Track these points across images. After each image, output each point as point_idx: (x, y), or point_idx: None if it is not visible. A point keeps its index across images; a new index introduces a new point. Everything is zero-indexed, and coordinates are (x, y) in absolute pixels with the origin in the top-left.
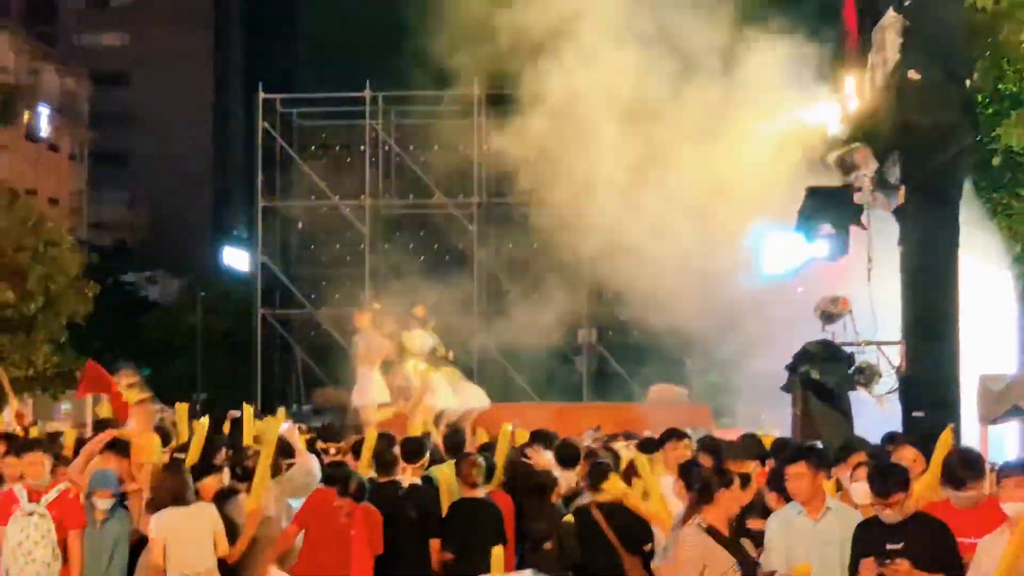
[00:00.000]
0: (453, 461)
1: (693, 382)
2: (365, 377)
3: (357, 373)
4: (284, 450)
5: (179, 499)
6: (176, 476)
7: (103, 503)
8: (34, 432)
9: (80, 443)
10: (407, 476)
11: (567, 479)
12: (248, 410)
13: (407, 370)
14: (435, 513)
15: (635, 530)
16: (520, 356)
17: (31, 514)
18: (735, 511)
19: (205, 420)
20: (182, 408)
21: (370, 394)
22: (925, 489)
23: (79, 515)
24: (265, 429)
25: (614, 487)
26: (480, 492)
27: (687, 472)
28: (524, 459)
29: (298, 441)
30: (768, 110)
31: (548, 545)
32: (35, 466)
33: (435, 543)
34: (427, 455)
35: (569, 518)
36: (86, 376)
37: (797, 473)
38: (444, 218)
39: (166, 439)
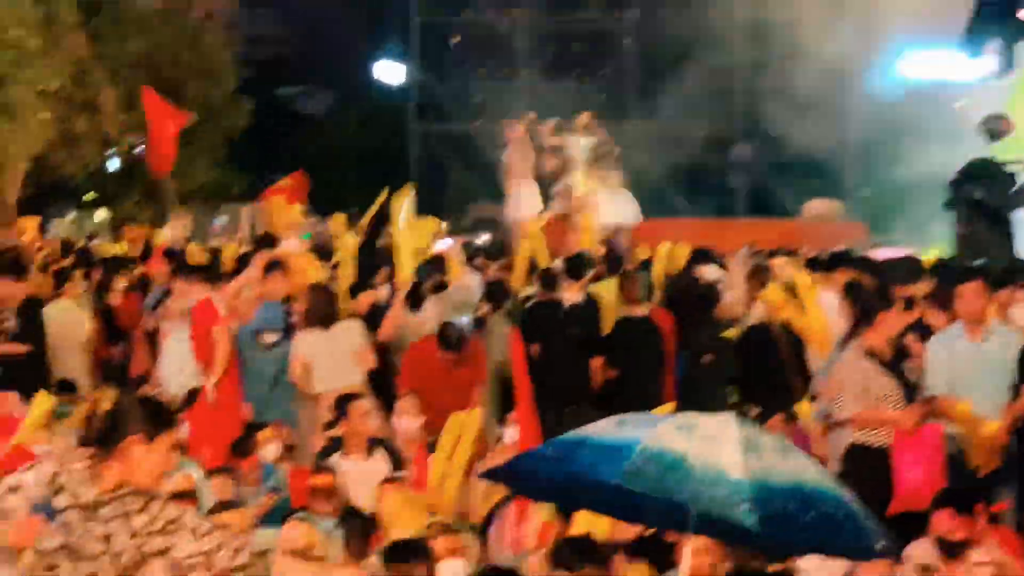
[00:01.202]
0: (614, 278)
1: (849, 197)
2: (518, 190)
3: (510, 186)
4: (436, 266)
5: (324, 319)
6: (321, 296)
7: (271, 338)
8: (192, 249)
9: (241, 259)
10: (569, 294)
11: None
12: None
13: (570, 182)
14: (597, 331)
15: (802, 348)
16: (675, 171)
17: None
18: (897, 333)
19: (353, 239)
20: (339, 219)
21: (523, 207)
22: None
23: (213, 316)
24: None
25: (775, 295)
26: (641, 309)
27: (850, 293)
28: (690, 272)
29: (458, 258)
30: None
31: (707, 358)
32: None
33: (597, 361)
34: (589, 272)
35: (730, 333)
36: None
37: (970, 293)
38: (600, 32)
39: (326, 255)
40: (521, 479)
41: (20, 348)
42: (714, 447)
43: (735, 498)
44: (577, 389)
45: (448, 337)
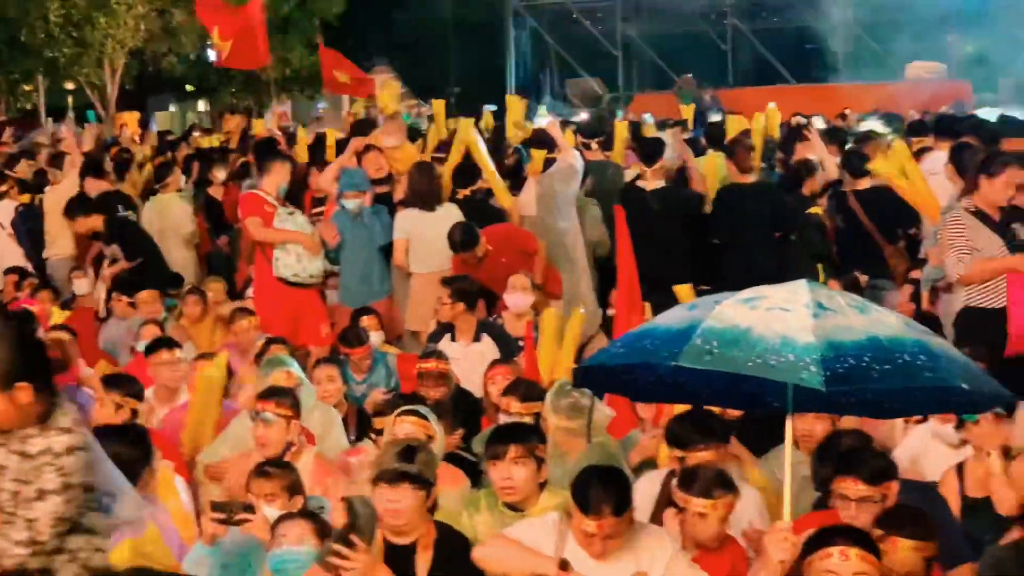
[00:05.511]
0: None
1: (952, 56)
2: None
3: None
4: (546, 144)
5: (427, 200)
6: (423, 177)
7: (352, 203)
8: (302, 134)
9: (341, 144)
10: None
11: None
12: (512, 102)
13: None
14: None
15: (894, 217)
16: (771, 36)
17: (291, 213)
18: (1010, 195)
19: (468, 122)
20: (439, 105)
21: None
22: None
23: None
24: (461, 129)
25: (883, 166)
26: (751, 177)
27: (958, 155)
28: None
29: (559, 134)
30: None
31: (794, 237)
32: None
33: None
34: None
35: (815, 210)
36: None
37: None
38: None
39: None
40: (589, 378)
41: (126, 265)
42: (782, 315)
43: (802, 362)
44: (678, 267)
45: (452, 238)
